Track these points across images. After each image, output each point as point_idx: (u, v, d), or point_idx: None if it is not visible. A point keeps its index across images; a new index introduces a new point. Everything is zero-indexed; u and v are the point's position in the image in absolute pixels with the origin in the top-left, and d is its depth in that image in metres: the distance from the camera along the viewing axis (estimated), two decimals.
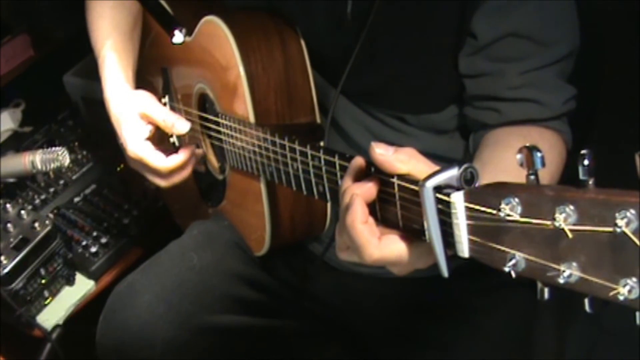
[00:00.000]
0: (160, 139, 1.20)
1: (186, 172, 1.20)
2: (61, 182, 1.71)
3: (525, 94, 1.00)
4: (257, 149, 1.04)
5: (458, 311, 1.19)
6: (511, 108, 1.01)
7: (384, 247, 0.72)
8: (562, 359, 1.27)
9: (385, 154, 0.72)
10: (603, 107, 1.21)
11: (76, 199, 1.68)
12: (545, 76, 1.00)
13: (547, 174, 0.94)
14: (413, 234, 0.71)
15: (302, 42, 1.11)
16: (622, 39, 1.16)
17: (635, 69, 1.12)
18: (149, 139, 1.15)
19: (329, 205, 1.15)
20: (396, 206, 0.72)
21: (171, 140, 1.30)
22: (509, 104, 1.02)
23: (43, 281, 1.47)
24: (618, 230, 0.50)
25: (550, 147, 1.00)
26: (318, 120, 1.13)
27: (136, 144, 1.15)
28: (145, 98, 1.17)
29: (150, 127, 1.15)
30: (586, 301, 0.55)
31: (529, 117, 1.01)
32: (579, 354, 1.28)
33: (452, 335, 1.17)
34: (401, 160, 0.72)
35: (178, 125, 1.14)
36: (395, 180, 0.72)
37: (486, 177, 0.68)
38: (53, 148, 1.36)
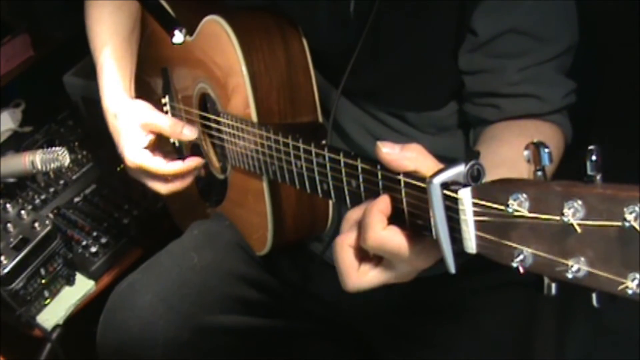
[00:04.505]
0: (160, 143, 1.20)
1: (187, 181, 1.20)
2: (61, 182, 1.71)
3: (524, 89, 1.01)
4: (259, 148, 1.04)
5: (458, 311, 1.19)
6: (511, 104, 1.02)
7: (386, 233, 0.72)
8: (562, 359, 1.27)
9: (392, 153, 0.72)
10: (603, 103, 1.21)
11: (76, 199, 1.68)
12: (545, 71, 1.00)
13: None
14: (419, 231, 0.71)
15: (304, 42, 1.12)
16: (621, 34, 1.17)
17: (636, 65, 1.12)
18: (147, 147, 1.15)
19: (330, 204, 1.15)
20: (402, 203, 0.72)
21: (171, 140, 1.30)
22: (509, 99, 1.02)
23: (43, 281, 1.47)
24: (627, 224, 0.50)
25: (546, 139, 1.00)
26: (320, 119, 1.13)
27: (135, 152, 1.15)
28: (145, 108, 1.17)
29: (150, 137, 1.16)
30: (594, 296, 0.55)
31: (528, 112, 1.01)
32: (579, 353, 1.28)
33: (452, 335, 1.17)
34: (408, 157, 0.72)
35: (186, 131, 1.15)
36: (401, 177, 0.72)
37: None
38: (53, 148, 1.37)
